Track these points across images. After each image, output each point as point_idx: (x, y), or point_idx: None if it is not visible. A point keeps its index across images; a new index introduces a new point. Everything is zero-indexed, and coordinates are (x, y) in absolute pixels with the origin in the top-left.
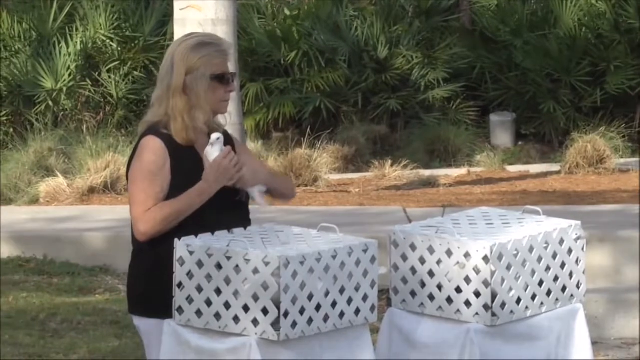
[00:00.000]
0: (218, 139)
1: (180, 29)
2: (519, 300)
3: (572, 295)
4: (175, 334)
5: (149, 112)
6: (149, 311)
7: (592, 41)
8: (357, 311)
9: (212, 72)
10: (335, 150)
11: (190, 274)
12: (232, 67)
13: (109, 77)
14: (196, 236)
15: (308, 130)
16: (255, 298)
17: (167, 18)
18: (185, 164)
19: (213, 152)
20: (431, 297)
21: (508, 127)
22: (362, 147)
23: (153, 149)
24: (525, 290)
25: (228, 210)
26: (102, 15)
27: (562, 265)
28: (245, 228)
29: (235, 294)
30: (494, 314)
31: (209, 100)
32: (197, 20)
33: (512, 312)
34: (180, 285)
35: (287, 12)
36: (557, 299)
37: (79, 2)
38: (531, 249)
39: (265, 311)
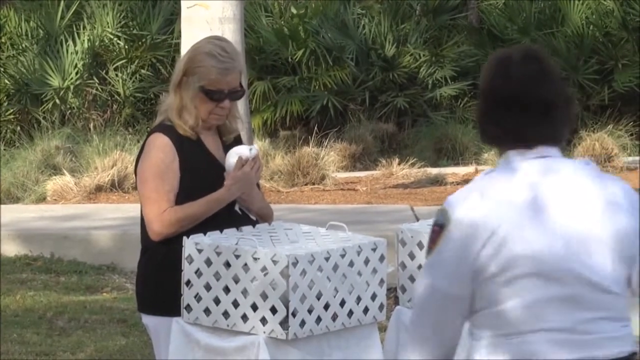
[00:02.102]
0: (252, 150)
1: (188, 27)
2: None
3: None
4: (183, 332)
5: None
6: (158, 309)
7: (600, 39)
8: (366, 310)
9: (202, 84)
10: (343, 149)
11: (198, 272)
12: (235, 82)
13: (116, 75)
14: (205, 234)
15: (315, 128)
16: (264, 297)
17: (174, 16)
18: (192, 157)
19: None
20: None
21: None
22: (369, 145)
23: (160, 146)
24: None
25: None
26: (109, 14)
27: None
28: (254, 226)
29: (244, 292)
30: None
31: (196, 107)
32: (205, 18)
33: None
34: (188, 283)
35: (293, 10)
36: None
37: (86, 1)
38: None
39: (273, 310)
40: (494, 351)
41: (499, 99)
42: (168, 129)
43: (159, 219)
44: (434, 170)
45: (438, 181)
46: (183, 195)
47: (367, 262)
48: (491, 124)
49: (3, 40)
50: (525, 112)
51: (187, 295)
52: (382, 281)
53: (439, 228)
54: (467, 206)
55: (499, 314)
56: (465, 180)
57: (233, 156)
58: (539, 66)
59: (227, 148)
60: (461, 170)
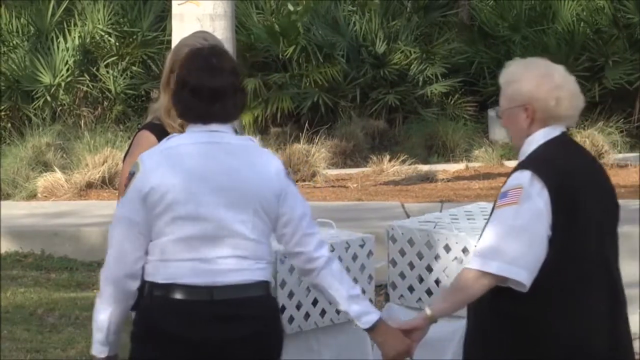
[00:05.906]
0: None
1: (179, 24)
2: None
3: None
4: None
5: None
6: None
7: (591, 36)
8: None
9: None
10: (333, 146)
11: None
12: None
13: (107, 72)
14: None
15: (306, 125)
16: None
17: (165, 13)
18: None
19: None
20: (429, 292)
21: None
22: (360, 142)
23: (145, 145)
24: None
25: None
26: (100, 10)
27: None
28: None
29: None
30: None
31: None
32: (196, 15)
33: None
34: None
35: (290, 7)
36: None
37: None
38: None
39: None
40: (153, 272)
41: (185, 86)
42: (156, 127)
43: None
44: (424, 167)
45: (429, 178)
46: None
47: (355, 258)
48: (179, 103)
49: None
50: (202, 97)
51: None
52: (370, 277)
53: (131, 175)
54: (150, 161)
55: (160, 244)
56: (456, 177)
57: None
58: (217, 61)
59: None
60: (452, 167)
